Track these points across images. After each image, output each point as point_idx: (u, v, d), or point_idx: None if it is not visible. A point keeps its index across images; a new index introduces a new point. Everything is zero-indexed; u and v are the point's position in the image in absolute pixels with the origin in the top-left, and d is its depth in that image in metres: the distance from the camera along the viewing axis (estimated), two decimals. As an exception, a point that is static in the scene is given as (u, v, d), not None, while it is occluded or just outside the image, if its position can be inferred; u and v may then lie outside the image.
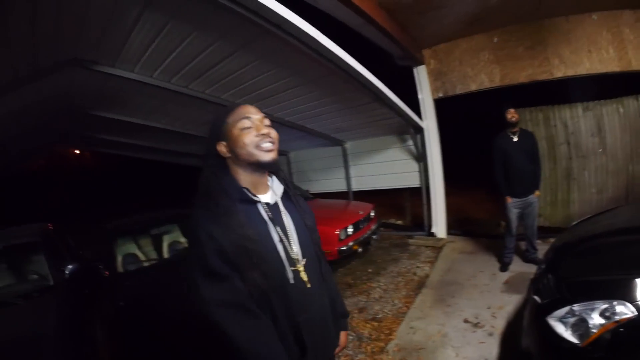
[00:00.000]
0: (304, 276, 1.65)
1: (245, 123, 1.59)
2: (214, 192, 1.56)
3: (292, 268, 1.62)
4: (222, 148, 1.62)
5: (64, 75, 4.67)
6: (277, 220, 1.65)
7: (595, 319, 2.38)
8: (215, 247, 1.45)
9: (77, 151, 19.18)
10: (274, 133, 1.63)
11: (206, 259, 1.45)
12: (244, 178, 1.63)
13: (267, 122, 1.65)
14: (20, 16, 3.17)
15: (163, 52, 4.49)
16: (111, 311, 4.36)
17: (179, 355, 3.40)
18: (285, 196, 1.78)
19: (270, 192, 1.71)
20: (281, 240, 1.62)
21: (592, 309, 2.42)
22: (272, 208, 1.67)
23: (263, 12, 3.50)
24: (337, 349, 1.94)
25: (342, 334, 2.00)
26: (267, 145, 1.58)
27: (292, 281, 1.60)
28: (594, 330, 2.35)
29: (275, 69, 5.07)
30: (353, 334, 4.47)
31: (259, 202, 1.64)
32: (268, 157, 1.58)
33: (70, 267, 4.62)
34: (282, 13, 3.54)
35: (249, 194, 1.61)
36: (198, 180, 1.65)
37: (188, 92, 5.57)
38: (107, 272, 4.96)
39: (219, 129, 1.64)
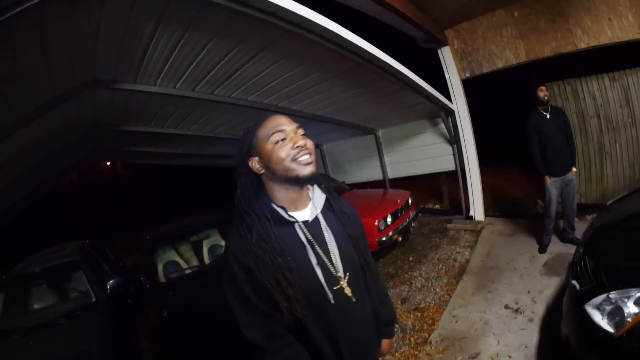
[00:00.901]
0: (347, 292, 1.58)
1: (279, 136, 1.47)
2: (246, 216, 1.48)
3: (334, 287, 1.54)
4: (254, 164, 1.53)
5: (85, 97, 4.74)
6: (317, 239, 1.55)
7: (631, 308, 2.31)
8: (248, 279, 1.43)
9: (108, 164, 19.15)
10: (310, 143, 1.50)
11: (240, 289, 1.44)
12: (281, 195, 1.53)
13: (301, 131, 1.53)
14: (31, 44, 3.19)
15: (184, 63, 4.51)
16: (155, 322, 4.46)
17: None
18: (328, 205, 1.68)
19: (310, 206, 1.61)
20: (319, 263, 1.53)
21: (629, 297, 2.35)
22: (312, 225, 1.57)
23: (280, 13, 3.49)
24: (377, 355, 1.86)
25: (385, 342, 1.92)
26: (304, 158, 1.47)
27: (332, 302, 1.53)
28: (629, 319, 2.28)
29: (299, 66, 5.05)
30: (397, 326, 4.45)
31: (296, 221, 1.53)
32: (307, 170, 1.46)
33: (111, 281, 4.75)
34: (299, 12, 3.51)
35: (285, 215, 1.51)
36: (234, 198, 1.57)
37: (213, 97, 5.60)
38: (148, 284, 5.02)
39: (250, 144, 1.54)
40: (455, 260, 6.08)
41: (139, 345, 4.68)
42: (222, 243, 5.82)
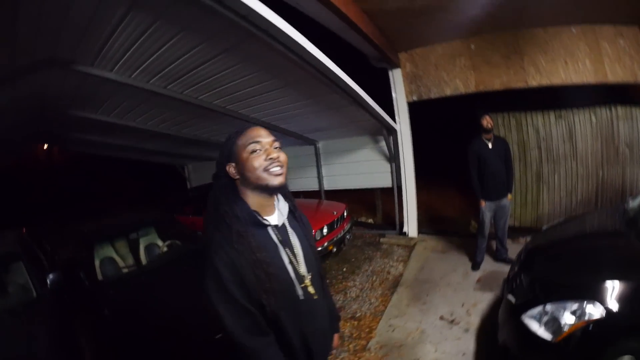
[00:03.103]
0: (311, 290, 1.73)
1: (255, 146, 1.60)
2: (227, 216, 1.59)
3: (302, 285, 1.69)
4: (231, 169, 1.65)
5: (41, 75, 4.55)
6: (286, 242, 1.71)
7: (567, 318, 2.65)
8: (233, 276, 1.50)
9: (49, 149, 17.87)
10: (283, 157, 1.64)
11: (225, 287, 1.49)
12: (252, 200, 1.66)
13: (277, 144, 1.67)
14: (2, 16, 3.09)
15: (145, 53, 4.43)
16: (95, 321, 4.32)
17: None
18: (291, 215, 1.83)
19: (277, 213, 1.74)
20: (290, 262, 1.68)
21: (564, 308, 2.69)
22: (280, 229, 1.71)
23: (252, 16, 3.48)
24: (332, 348, 2.04)
25: (335, 337, 2.09)
26: (275, 169, 1.60)
27: (302, 297, 1.68)
28: (566, 329, 2.62)
29: (256, 72, 5.07)
30: (337, 333, 4.57)
31: (269, 225, 1.67)
32: (276, 181, 1.60)
33: (51, 276, 4.40)
34: (270, 18, 3.53)
35: (260, 218, 1.64)
36: (207, 197, 1.72)
37: (165, 92, 5.50)
38: (86, 281, 4.79)
39: (230, 150, 1.67)
40: (389, 273, 6.26)
41: (79, 345, 4.40)
42: (159, 243, 5.74)
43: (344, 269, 6.69)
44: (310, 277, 1.74)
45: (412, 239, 7.60)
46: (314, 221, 6.61)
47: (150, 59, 4.59)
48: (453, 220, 8.66)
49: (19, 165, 18.77)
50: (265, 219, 1.66)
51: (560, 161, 6.89)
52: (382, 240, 7.88)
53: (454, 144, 6.94)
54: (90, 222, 6.24)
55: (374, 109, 6.31)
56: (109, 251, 5.35)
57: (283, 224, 1.75)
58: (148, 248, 5.57)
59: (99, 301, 4.36)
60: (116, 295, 4.31)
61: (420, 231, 7.86)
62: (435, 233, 7.79)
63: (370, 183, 8.82)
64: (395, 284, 5.77)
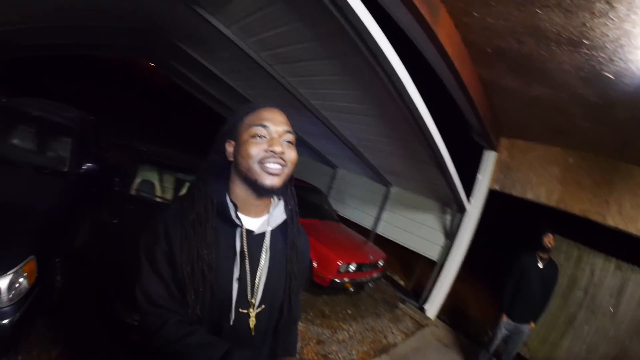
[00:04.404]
0: (251, 323, 1.42)
1: (260, 131, 1.34)
2: (196, 195, 1.37)
3: (241, 310, 1.40)
4: (229, 148, 1.41)
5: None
6: (251, 254, 1.41)
7: None
8: (166, 249, 1.31)
9: (151, 64, 18.66)
10: (290, 155, 1.37)
11: (154, 252, 1.32)
12: (238, 191, 1.40)
13: (288, 137, 1.39)
14: None
15: (264, 26, 4.57)
16: (103, 222, 4.47)
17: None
18: (282, 229, 1.52)
19: (265, 218, 1.47)
20: (240, 279, 1.38)
21: None
22: (254, 238, 1.42)
23: (364, 34, 3.49)
24: None
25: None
26: (272, 166, 1.32)
27: (230, 323, 1.38)
28: None
29: (354, 90, 5.10)
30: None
31: (239, 227, 1.39)
32: (268, 180, 1.32)
33: (89, 165, 4.73)
34: (381, 43, 3.54)
35: (232, 214, 1.37)
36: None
37: (271, 71, 5.67)
38: (119, 188, 4.98)
39: (233, 126, 1.42)
40: (385, 337, 6.03)
41: (77, 231, 4.65)
42: None
43: (349, 311, 6.51)
44: (259, 309, 1.44)
45: (427, 318, 7.29)
46: (348, 253, 6.58)
47: (266, 34, 4.72)
48: (473, 321, 8.24)
49: (121, 67, 19.84)
50: (238, 217, 1.38)
51: (598, 314, 6.36)
52: (399, 305, 7.64)
53: (509, 245, 6.57)
54: (153, 145, 6.45)
55: (453, 181, 6.15)
56: (152, 176, 5.47)
57: (261, 234, 1.44)
58: (186, 194, 5.64)
59: (116, 207, 4.58)
60: (133, 212, 4.46)
61: (438, 316, 7.53)
62: (451, 325, 7.45)
63: (419, 248, 8.48)
64: (384, 350, 5.55)
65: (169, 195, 5.53)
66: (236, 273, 1.37)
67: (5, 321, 2.60)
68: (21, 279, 2.72)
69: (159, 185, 5.49)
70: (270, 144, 1.32)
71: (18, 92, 7.47)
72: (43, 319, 3.55)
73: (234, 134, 1.41)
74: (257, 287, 1.42)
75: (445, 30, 4.07)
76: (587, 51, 3.62)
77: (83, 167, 4.67)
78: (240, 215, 1.40)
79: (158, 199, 5.23)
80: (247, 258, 1.40)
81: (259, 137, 1.33)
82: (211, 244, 1.32)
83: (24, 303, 2.77)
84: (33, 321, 3.23)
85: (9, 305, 2.64)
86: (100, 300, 3.56)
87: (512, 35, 3.93)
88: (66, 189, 4.19)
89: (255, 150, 1.31)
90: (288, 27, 4.32)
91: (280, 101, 7.03)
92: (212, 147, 1.47)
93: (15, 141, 4.62)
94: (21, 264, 2.73)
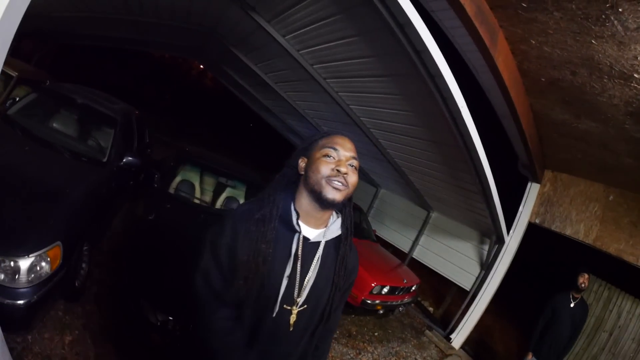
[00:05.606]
0: (292, 319, 1.56)
1: (331, 153, 1.53)
2: (265, 199, 1.56)
3: (286, 306, 1.54)
4: (301, 163, 1.61)
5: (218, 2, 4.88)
6: (304, 259, 1.56)
7: None
8: (229, 242, 1.50)
9: (201, 66, 18.99)
10: (352, 178, 1.53)
11: (219, 245, 1.52)
12: (303, 201, 1.56)
13: (353, 162, 1.56)
14: None
15: (319, 38, 4.55)
16: (138, 217, 4.48)
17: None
18: (336, 243, 1.66)
19: (322, 230, 1.61)
20: (290, 277, 1.53)
21: None
22: (309, 245, 1.57)
23: (428, 60, 3.46)
24: None
25: None
26: (337, 183, 1.48)
27: (274, 314, 1.53)
28: None
29: (411, 112, 5.02)
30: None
31: (298, 232, 1.55)
32: (331, 194, 1.47)
33: (129, 158, 4.68)
34: (442, 68, 3.50)
35: (294, 220, 1.54)
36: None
37: (323, 83, 5.63)
38: (157, 185, 4.92)
39: (309, 146, 1.63)
40: (408, 363, 5.91)
41: (109, 224, 4.68)
42: (240, 201, 5.70)
43: (375, 333, 6.42)
44: (302, 308, 1.58)
45: (451, 348, 7.13)
46: (383, 275, 6.50)
47: (321, 46, 4.70)
48: (498, 356, 8.11)
49: (173, 65, 20.17)
50: (298, 224, 1.54)
51: (618, 357, 6.24)
52: (426, 332, 7.49)
53: (541, 281, 6.41)
54: (197, 147, 6.46)
55: (496, 212, 6.03)
56: (194, 177, 5.46)
57: (316, 243, 1.59)
58: (229, 198, 5.54)
59: (153, 204, 4.54)
60: (169, 211, 4.45)
61: (463, 346, 7.37)
62: (474, 357, 7.32)
63: (453, 276, 8.35)
64: (406, 377, 5.42)
65: (207, 198, 5.55)
66: (287, 271, 1.53)
67: (21, 302, 2.61)
68: (43, 263, 2.73)
69: (199, 187, 5.47)
70: (337, 165, 1.51)
71: (65, 78, 7.52)
72: (63, 303, 3.55)
73: (308, 152, 1.62)
74: (304, 288, 1.57)
75: (503, 57, 4.04)
76: (637, 85, 3.57)
77: (123, 160, 4.65)
78: (300, 223, 1.56)
79: (196, 201, 5.22)
80: (299, 260, 1.55)
81: (329, 157, 1.53)
82: (270, 242, 1.49)
83: (43, 287, 2.76)
84: (51, 305, 3.24)
85: (27, 287, 2.65)
86: (124, 295, 3.48)
87: (567, 65, 3.89)
88: (102, 179, 4.16)
89: (325, 167, 1.50)
90: (346, 42, 4.29)
91: (330, 115, 7.02)
92: (287, 162, 1.69)
93: (57, 125, 4.63)
94: (45, 249, 2.74)
